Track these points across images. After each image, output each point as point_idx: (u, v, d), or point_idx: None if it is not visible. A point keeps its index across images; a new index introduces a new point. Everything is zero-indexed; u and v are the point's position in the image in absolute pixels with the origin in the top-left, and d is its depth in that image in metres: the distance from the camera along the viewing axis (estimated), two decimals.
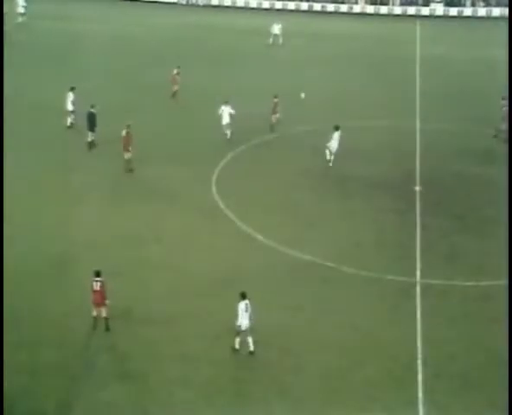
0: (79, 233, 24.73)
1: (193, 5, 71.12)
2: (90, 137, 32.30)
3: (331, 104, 39.41)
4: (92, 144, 32.34)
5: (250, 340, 18.81)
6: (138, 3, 70.02)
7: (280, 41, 53.92)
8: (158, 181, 29.26)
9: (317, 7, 70.07)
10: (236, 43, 53.97)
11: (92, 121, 32.16)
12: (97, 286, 19.45)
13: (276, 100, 35.12)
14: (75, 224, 25.49)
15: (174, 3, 70.94)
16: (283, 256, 23.59)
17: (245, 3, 71.13)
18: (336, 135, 30.73)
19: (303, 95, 37.55)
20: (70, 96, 34.38)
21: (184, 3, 71.45)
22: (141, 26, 59.61)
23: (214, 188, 28.47)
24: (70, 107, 34.32)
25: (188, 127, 35.67)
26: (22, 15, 55.19)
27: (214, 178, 29.36)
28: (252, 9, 70.25)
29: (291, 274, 22.52)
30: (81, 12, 62.79)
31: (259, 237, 24.69)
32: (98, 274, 19.53)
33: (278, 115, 34.98)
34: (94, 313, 19.58)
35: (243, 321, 18.76)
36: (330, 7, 70.03)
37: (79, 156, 31.56)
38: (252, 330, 18.78)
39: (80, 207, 26.97)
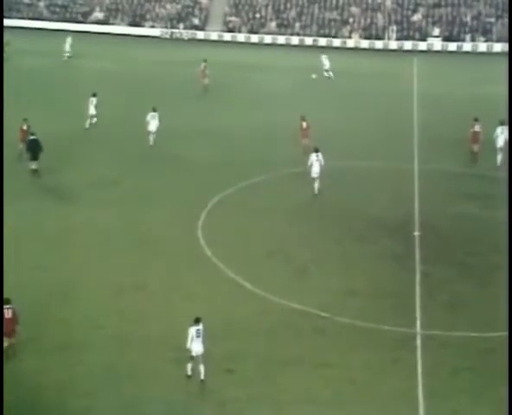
0: (54, 281, 24.94)
1: (177, 39, 72.38)
2: (35, 165, 33.92)
3: (323, 144, 39.97)
4: (35, 172, 33.79)
5: (202, 368, 19.63)
6: (120, 37, 71.01)
7: (331, 74, 55.71)
8: (139, 224, 29.68)
9: (309, 41, 71.49)
10: (223, 75, 54.82)
11: (34, 149, 33.71)
12: (8, 314, 20.10)
13: None
14: (50, 270, 25.72)
15: (157, 37, 72.11)
16: (273, 305, 23.86)
17: (231, 37, 72.45)
18: (314, 157, 32.74)
19: (314, 76, 37.91)
20: (93, 101, 40.88)
21: (168, 36, 72.70)
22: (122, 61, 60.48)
23: (200, 233, 28.85)
24: (93, 111, 40.85)
25: (173, 167, 36.17)
26: (68, 52, 59.07)
27: (200, 223, 29.76)
28: (241, 43, 71.51)
29: (283, 324, 22.79)
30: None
31: (248, 285, 25.02)
32: (8, 301, 20.21)
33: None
34: (6, 343, 20.01)
35: (193, 346, 19.59)
36: (322, 41, 71.41)
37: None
38: (204, 357, 19.56)
39: (56, 250, 27.27)
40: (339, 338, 22.26)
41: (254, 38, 72.46)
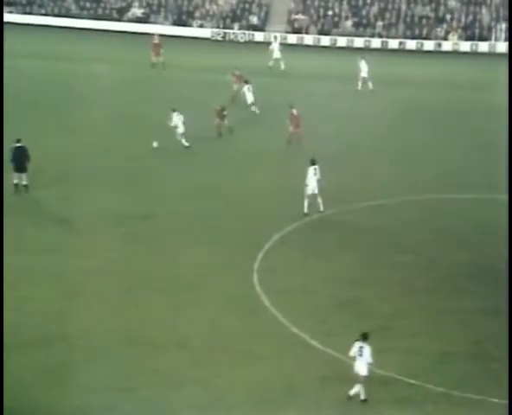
0: (77, 336, 25.12)
1: (231, 41, 73.18)
2: (19, 178, 35.17)
3: (402, 170, 39.96)
4: (25, 188, 35.20)
5: (362, 388, 21.75)
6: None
7: (370, 86, 55.93)
8: (182, 266, 29.84)
9: (393, 44, 71.52)
10: (280, 87, 55.10)
11: (21, 159, 34.76)
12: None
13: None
14: (67, 320, 25.90)
15: (206, 39, 73.00)
16: (348, 369, 23.18)
17: (297, 39, 72.84)
18: (312, 171, 34.10)
19: (155, 144, 41.21)
20: (249, 87, 48.34)
21: (220, 38, 73.61)
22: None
23: (255, 278, 28.95)
24: (251, 98, 48.33)
25: (225, 198, 36.37)
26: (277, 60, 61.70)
27: (255, 265, 29.88)
28: (309, 46, 71.94)
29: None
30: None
31: (316, 343, 24.87)
32: None
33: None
34: None
35: (356, 365, 21.82)
36: (411, 44, 71.35)
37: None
38: (367, 380, 21.62)
39: (72, 296, 27.54)
40: (431, 410, 21.92)
41: (325, 40, 72.91)
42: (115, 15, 76.34)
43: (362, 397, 21.81)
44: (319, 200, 34.24)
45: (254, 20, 75.58)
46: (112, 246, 31.41)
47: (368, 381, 21.75)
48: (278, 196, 36.35)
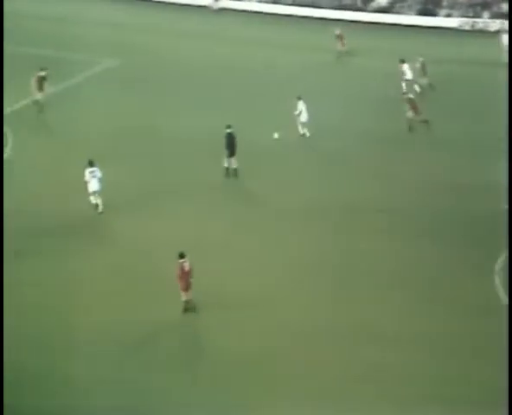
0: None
1: (481, 31, 70.67)
2: (229, 163, 37.12)
3: None
4: (235, 171, 37.01)
5: None
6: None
7: None
8: (405, 258, 29.83)
9: None
10: None
11: (231, 144, 36.78)
12: (187, 267, 25.11)
13: None
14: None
15: (453, 29, 71.07)
16: None
17: None
18: None
19: (276, 135, 40.34)
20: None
21: (468, 28, 71.42)
22: None
23: (496, 280, 28.25)
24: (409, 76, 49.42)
25: (445, 192, 35.62)
26: None
27: (496, 265, 29.10)
28: None
29: None
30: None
31: None
32: (182, 256, 25.19)
33: None
34: (184, 297, 25.58)
35: None
36: None
37: None
38: None
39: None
40: None
41: None
42: (359, 4, 76.27)
43: None
44: None
45: (505, 8, 72.56)
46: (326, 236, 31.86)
47: None
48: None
